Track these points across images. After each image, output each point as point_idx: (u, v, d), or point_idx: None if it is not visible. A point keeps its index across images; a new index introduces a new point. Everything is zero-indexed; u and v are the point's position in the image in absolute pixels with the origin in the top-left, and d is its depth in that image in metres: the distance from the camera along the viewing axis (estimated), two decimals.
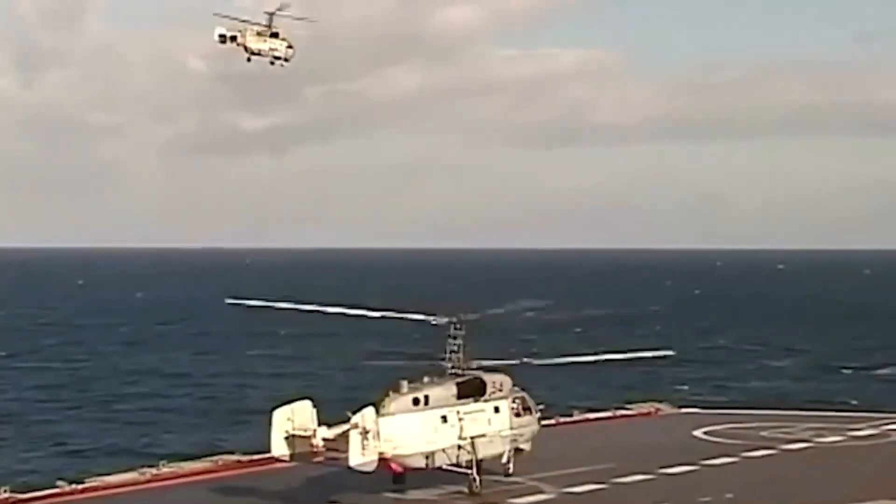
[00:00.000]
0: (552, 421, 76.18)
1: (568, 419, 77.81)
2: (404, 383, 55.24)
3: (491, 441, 57.23)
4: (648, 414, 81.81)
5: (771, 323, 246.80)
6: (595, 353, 67.92)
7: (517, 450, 58.77)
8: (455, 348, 56.90)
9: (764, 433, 71.55)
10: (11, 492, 55.94)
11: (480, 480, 56.38)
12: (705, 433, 72.21)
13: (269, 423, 53.70)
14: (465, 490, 56.38)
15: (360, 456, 52.09)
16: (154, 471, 60.76)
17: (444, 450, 55.55)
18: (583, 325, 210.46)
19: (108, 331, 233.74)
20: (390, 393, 54.55)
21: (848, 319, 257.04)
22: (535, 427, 59.83)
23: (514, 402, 58.45)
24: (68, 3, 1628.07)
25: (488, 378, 57.55)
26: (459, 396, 56.37)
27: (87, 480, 59.19)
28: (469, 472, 56.36)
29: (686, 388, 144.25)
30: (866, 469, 61.50)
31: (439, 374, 56.83)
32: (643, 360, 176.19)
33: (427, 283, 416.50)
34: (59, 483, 57.94)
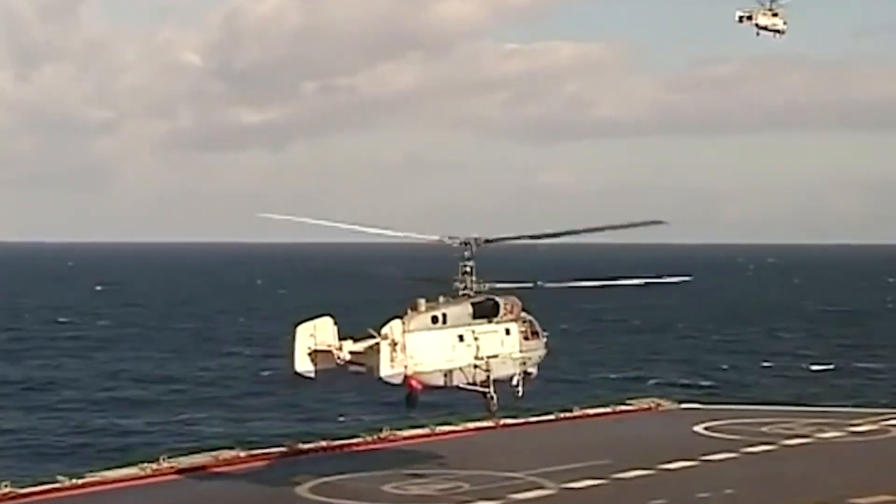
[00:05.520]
0: (551, 416, 76.37)
1: (567, 415, 77.74)
2: (422, 301, 55.53)
3: (503, 362, 57.65)
4: (648, 409, 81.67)
5: (769, 320, 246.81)
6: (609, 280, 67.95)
7: (525, 374, 59.05)
8: (468, 270, 57.20)
9: (764, 429, 71.51)
10: (12, 486, 55.99)
11: (497, 399, 57.02)
12: (706, 429, 72.22)
13: (293, 340, 53.41)
14: (484, 408, 57.39)
15: (389, 367, 52.24)
16: (154, 466, 60.69)
17: (461, 368, 55.98)
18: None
19: (104, 326, 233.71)
20: (409, 311, 54.75)
21: (845, 316, 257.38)
22: (542, 352, 60.19)
23: (523, 325, 58.93)
24: None
25: (501, 300, 58.10)
26: (475, 316, 56.83)
27: (87, 476, 59.16)
28: (486, 390, 56.87)
29: (687, 384, 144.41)
30: (867, 464, 61.57)
31: (453, 295, 57.13)
32: (642, 353, 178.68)
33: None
34: (60, 478, 57.90)
